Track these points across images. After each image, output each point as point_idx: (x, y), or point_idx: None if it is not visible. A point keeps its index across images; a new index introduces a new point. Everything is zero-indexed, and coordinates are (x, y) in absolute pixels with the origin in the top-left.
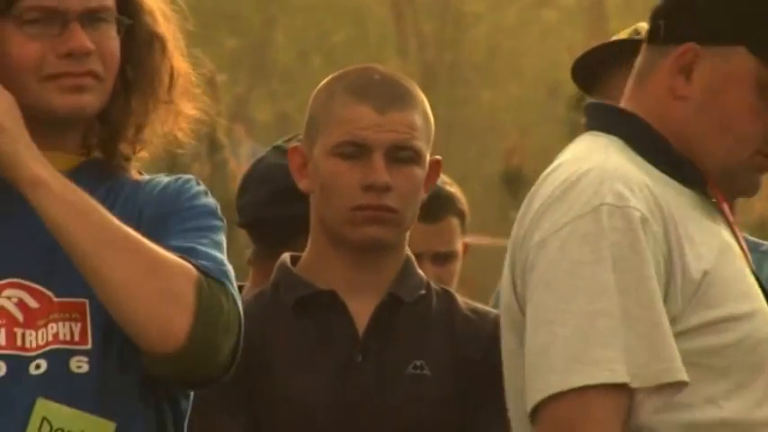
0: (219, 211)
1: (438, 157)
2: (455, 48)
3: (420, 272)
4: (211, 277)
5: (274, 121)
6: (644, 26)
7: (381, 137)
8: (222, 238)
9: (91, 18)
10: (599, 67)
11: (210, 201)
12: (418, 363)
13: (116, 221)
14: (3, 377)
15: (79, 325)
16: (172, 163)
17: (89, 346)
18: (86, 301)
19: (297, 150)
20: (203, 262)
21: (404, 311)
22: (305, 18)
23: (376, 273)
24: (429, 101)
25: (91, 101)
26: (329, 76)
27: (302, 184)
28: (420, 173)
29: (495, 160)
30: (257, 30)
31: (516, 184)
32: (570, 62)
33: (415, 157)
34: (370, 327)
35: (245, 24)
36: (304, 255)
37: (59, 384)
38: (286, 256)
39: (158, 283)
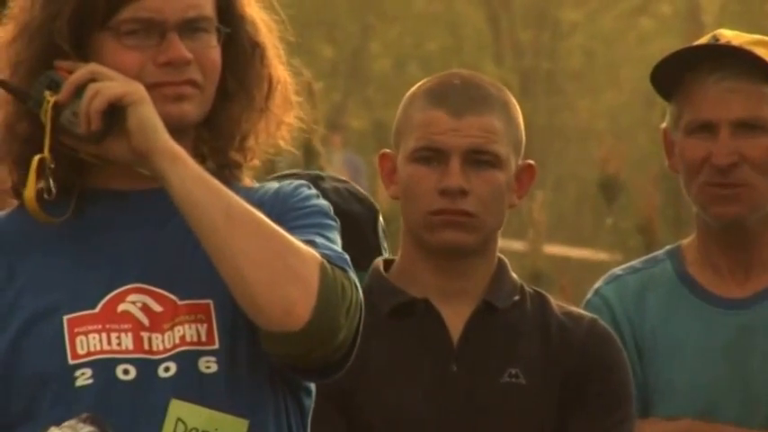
0: (332, 212)
1: (531, 161)
2: (552, 56)
3: (514, 276)
4: (334, 263)
5: (370, 129)
6: (723, 32)
7: (457, 141)
8: (337, 237)
9: (190, 28)
10: (678, 73)
11: (323, 202)
12: (513, 371)
13: (245, 203)
14: (133, 380)
15: (205, 326)
16: (268, 171)
17: (216, 345)
18: (210, 302)
19: (387, 157)
20: (324, 251)
21: (498, 318)
22: (401, 26)
23: (466, 279)
24: (526, 108)
25: (190, 110)
26: (417, 84)
27: (390, 191)
28: (501, 177)
29: (591, 167)
30: (354, 38)
31: (612, 191)
32: None
33: (494, 161)
34: (464, 335)
35: (342, 33)
36: (396, 261)
37: (190, 385)
38: (379, 262)
39: (285, 262)
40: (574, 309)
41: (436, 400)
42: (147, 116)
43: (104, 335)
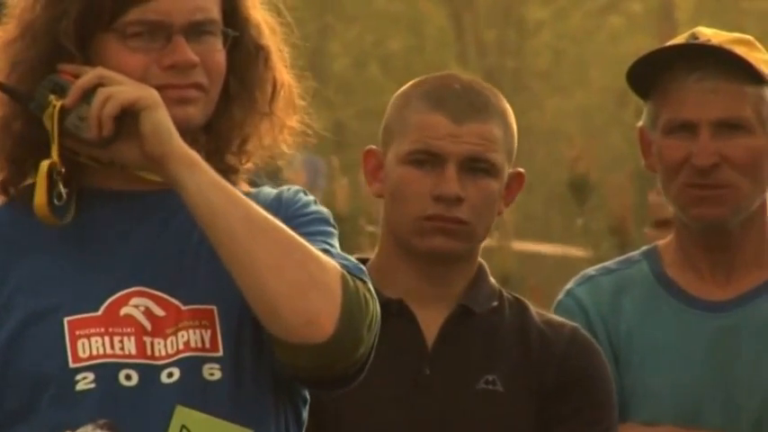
0: (332, 219)
1: (520, 169)
2: (518, 55)
3: (493, 281)
4: (354, 274)
5: (330, 129)
6: (702, 30)
7: (456, 148)
8: (338, 245)
9: (195, 31)
10: (656, 72)
11: (324, 209)
12: (490, 377)
13: (263, 211)
14: (135, 386)
15: (209, 332)
16: (271, 177)
17: (220, 353)
18: (214, 308)
19: (372, 153)
20: (342, 261)
21: (475, 323)
22: (361, 25)
23: (446, 283)
24: None
25: (195, 113)
26: (410, 82)
27: (374, 188)
28: (495, 185)
29: (561, 168)
30: (313, 38)
31: (582, 191)
32: None
33: (490, 170)
34: (439, 338)
35: (301, 32)
36: (372, 260)
37: (194, 392)
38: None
39: (308, 271)
40: (554, 317)
41: (408, 403)
42: (162, 121)
43: (107, 338)
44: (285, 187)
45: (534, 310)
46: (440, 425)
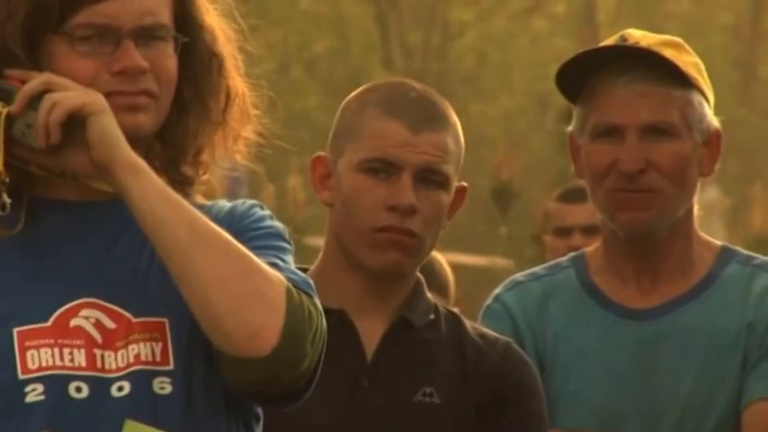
0: (287, 235)
1: (464, 183)
2: (442, 58)
3: (429, 295)
4: (300, 288)
5: (253, 134)
6: (631, 32)
7: (412, 157)
8: (291, 261)
9: (145, 36)
10: (584, 75)
11: (278, 224)
12: (428, 390)
13: (210, 221)
14: (86, 399)
15: (160, 345)
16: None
17: (171, 366)
18: (166, 321)
19: (321, 160)
20: (289, 275)
21: (413, 336)
22: (285, 28)
23: (387, 295)
24: None
25: (146, 120)
26: (361, 87)
27: (322, 196)
28: (446, 199)
29: (484, 174)
30: (236, 40)
31: (506, 198)
32: None
33: (443, 182)
34: (378, 350)
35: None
36: (314, 269)
37: (144, 406)
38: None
39: (252, 284)
40: (488, 331)
41: (346, 414)
42: (108, 127)
43: (56, 350)
44: (240, 201)
45: (468, 323)
46: None
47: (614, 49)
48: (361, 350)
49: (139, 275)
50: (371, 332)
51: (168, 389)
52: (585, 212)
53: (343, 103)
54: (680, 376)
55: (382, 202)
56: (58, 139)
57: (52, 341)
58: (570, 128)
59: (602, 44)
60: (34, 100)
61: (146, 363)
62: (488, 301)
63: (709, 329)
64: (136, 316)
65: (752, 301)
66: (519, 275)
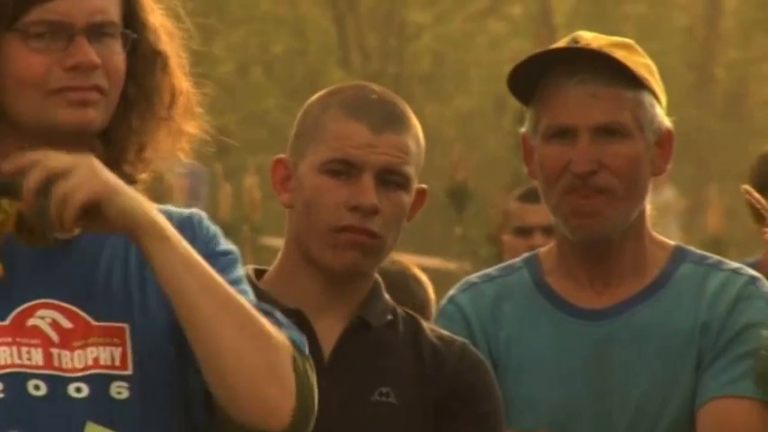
0: (230, 244)
1: (424, 185)
2: (399, 59)
3: (386, 296)
4: (298, 349)
5: (212, 135)
6: (582, 34)
7: (373, 158)
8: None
9: (96, 32)
10: (536, 77)
11: (230, 244)
12: (384, 390)
13: (222, 281)
14: (44, 396)
15: (120, 350)
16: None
17: (129, 371)
18: (126, 326)
19: (281, 162)
20: (290, 331)
21: (371, 336)
22: (244, 29)
23: (346, 296)
24: None
25: (96, 116)
26: (323, 90)
27: (283, 198)
28: (407, 200)
29: (440, 175)
30: (196, 41)
31: (461, 198)
32: None
33: (404, 183)
34: (336, 350)
35: (184, 35)
36: (272, 269)
37: (101, 410)
38: (249, 269)
39: (266, 358)
40: (445, 332)
41: None
42: (125, 204)
43: (14, 348)
44: (191, 211)
45: (426, 324)
46: None
47: (566, 50)
48: (318, 350)
49: (99, 280)
50: (329, 332)
51: (125, 394)
52: (546, 212)
53: (305, 105)
54: (634, 377)
55: (344, 202)
56: (73, 227)
57: (10, 339)
58: (523, 129)
59: (553, 46)
60: (40, 191)
61: (104, 367)
62: (443, 303)
63: (663, 330)
64: (96, 319)
65: (705, 301)
66: (473, 277)
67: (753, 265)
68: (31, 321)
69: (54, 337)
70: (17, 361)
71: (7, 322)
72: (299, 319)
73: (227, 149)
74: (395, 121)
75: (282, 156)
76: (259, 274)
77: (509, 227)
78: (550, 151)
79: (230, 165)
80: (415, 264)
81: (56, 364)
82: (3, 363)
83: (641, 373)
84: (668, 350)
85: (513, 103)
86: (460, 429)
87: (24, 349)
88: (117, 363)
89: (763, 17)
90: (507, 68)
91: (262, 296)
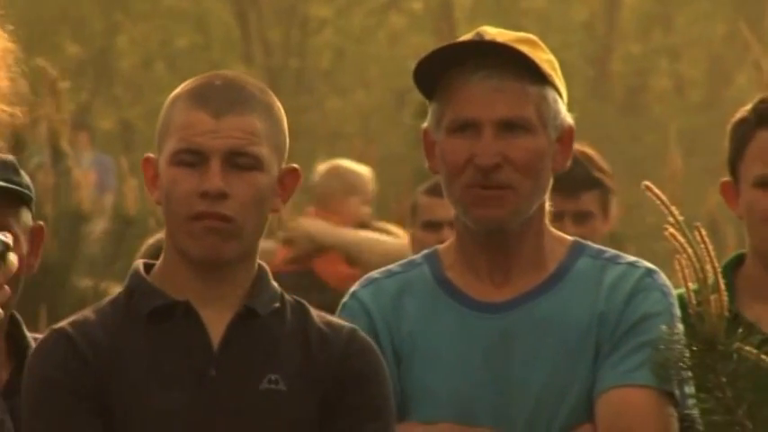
0: None
1: (295, 165)
2: (301, 54)
3: (275, 284)
4: None
5: (117, 128)
6: (487, 29)
7: (216, 143)
8: None
9: None
10: (440, 71)
11: None
12: (273, 377)
13: None
14: None
15: None
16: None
17: None
18: None
19: (149, 161)
20: None
21: (258, 324)
22: (148, 24)
23: (226, 285)
24: None
25: None
26: (181, 85)
27: (154, 196)
28: (263, 179)
29: None
30: (100, 36)
31: None
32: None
33: (254, 164)
34: (224, 340)
35: (89, 30)
36: (158, 263)
37: None
38: (139, 264)
39: None
40: (333, 318)
41: (194, 404)
42: None
43: None
44: None
45: (315, 312)
46: (225, 425)
47: (472, 44)
48: (207, 340)
49: None
50: (217, 322)
51: None
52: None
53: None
54: (533, 369)
55: (194, 189)
56: None
57: None
58: (425, 124)
59: (459, 40)
60: None
61: None
62: (345, 299)
63: (561, 322)
64: None
65: (603, 293)
66: (374, 273)
67: (740, 257)
68: None
69: None
70: None
71: None
72: (186, 311)
73: (132, 143)
74: (237, 105)
75: (150, 155)
76: (149, 268)
77: (417, 221)
78: (454, 145)
79: (136, 159)
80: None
81: None
82: None
83: (540, 365)
84: (567, 342)
85: (414, 98)
86: (348, 413)
87: None
88: None
89: (661, 12)
90: (408, 63)
91: (150, 290)
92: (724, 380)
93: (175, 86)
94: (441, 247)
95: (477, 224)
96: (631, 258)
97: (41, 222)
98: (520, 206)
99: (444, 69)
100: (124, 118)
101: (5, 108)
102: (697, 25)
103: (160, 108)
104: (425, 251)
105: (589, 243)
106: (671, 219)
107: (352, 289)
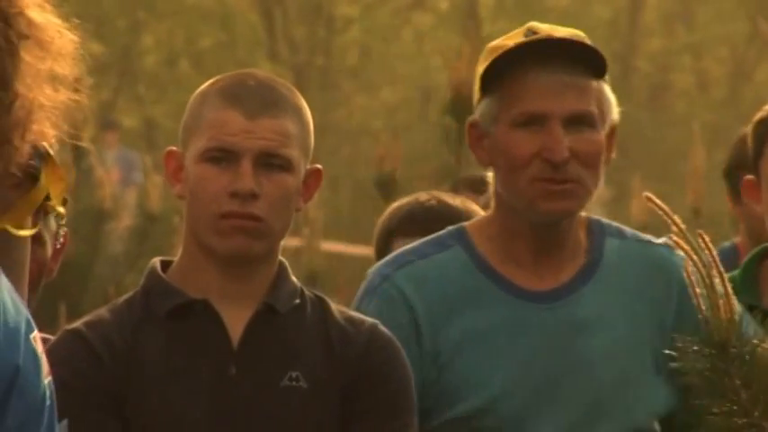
0: None
1: (318, 165)
2: (327, 52)
3: (294, 279)
4: None
5: (141, 126)
6: (538, 26)
7: (249, 143)
8: None
9: None
10: (500, 67)
11: None
12: (293, 374)
13: None
14: None
15: None
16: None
17: None
18: None
19: (172, 154)
20: None
21: (278, 321)
22: (172, 22)
23: (248, 282)
24: None
25: None
26: (208, 81)
27: (176, 190)
28: (291, 181)
29: (368, 165)
30: (124, 34)
31: (389, 188)
32: (444, 66)
33: (285, 165)
34: (244, 338)
35: (112, 28)
36: (176, 261)
37: None
38: (156, 262)
39: None
40: (354, 313)
41: (214, 403)
42: None
43: None
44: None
45: (335, 307)
46: (246, 423)
47: (540, 42)
48: (227, 338)
49: None
50: (236, 320)
51: None
52: (480, 204)
53: (191, 97)
54: (597, 356)
55: (224, 188)
56: None
57: None
58: (472, 118)
59: (508, 37)
60: None
61: None
62: (374, 279)
63: (612, 312)
64: None
65: (658, 280)
66: (405, 251)
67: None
68: None
69: None
70: None
71: None
72: (205, 309)
73: (156, 140)
74: (271, 106)
75: (173, 148)
76: (167, 265)
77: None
78: (519, 138)
79: (160, 156)
80: (342, 252)
81: None
82: None
83: (604, 352)
84: (623, 333)
85: (439, 95)
86: (369, 410)
87: None
88: None
89: (683, 9)
90: (433, 60)
91: (168, 289)
92: (738, 383)
93: (200, 84)
94: (467, 225)
95: (543, 217)
96: (647, 236)
97: (66, 229)
98: (584, 200)
99: (506, 65)
100: (148, 116)
101: (72, 96)
102: (719, 22)
103: (184, 106)
104: (449, 228)
105: (596, 218)
106: (674, 228)
107: (384, 270)
